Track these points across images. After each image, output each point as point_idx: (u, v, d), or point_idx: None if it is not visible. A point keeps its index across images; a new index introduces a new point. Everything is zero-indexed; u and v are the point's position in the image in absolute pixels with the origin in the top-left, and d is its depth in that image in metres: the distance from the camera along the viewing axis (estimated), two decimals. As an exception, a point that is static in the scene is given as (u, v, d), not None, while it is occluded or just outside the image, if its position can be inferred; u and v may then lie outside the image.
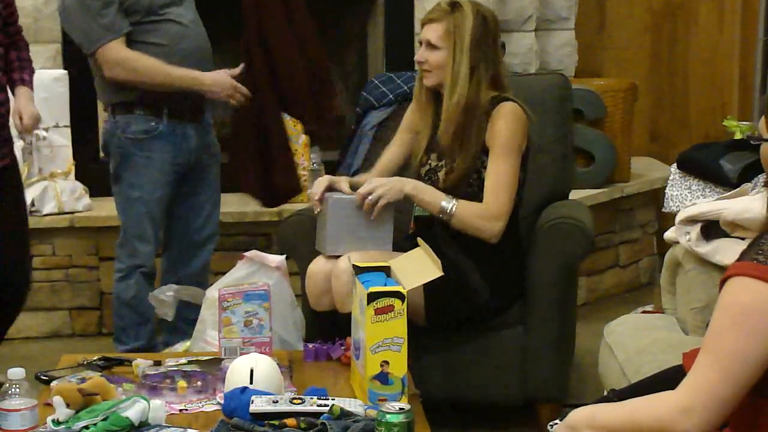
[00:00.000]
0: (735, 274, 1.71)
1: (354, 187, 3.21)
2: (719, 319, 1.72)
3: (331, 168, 4.38)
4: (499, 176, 3.11)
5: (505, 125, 3.12)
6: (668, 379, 2.07)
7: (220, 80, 3.65)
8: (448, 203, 3.11)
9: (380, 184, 3.15)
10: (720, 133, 4.94)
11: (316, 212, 3.23)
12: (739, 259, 1.73)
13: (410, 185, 3.15)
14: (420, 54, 3.19)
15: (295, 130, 4.47)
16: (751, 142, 1.86)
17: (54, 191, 4.37)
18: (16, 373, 2.19)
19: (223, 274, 3.44)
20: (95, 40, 3.56)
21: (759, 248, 1.70)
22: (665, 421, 1.72)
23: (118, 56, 3.55)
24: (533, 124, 3.20)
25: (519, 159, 3.14)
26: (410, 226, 3.37)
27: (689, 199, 3.83)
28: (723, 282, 1.73)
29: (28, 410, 2.19)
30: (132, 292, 3.71)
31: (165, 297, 3.45)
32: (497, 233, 3.12)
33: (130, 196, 3.72)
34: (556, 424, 1.99)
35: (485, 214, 3.11)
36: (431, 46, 3.17)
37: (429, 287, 2.99)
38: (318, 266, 3.18)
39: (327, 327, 3.08)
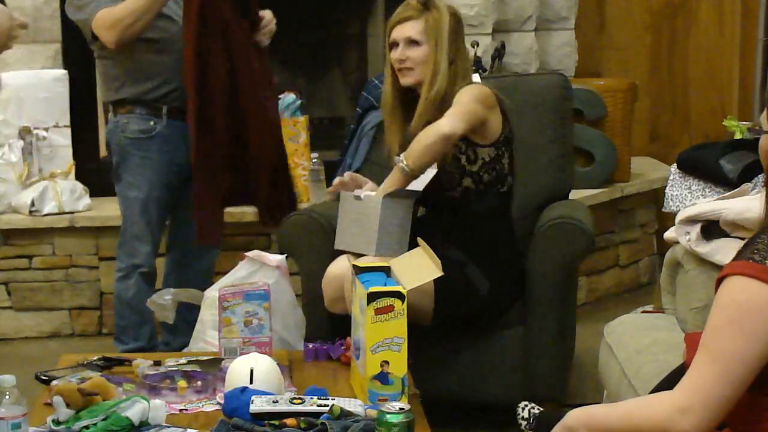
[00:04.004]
0: (731, 274, 1.71)
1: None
2: (716, 318, 1.72)
3: (331, 168, 4.38)
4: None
5: (461, 93, 3.14)
6: None
7: None
8: (398, 158, 3.11)
9: None
10: (720, 133, 4.94)
11: (329, 198, 3.26)
12: (734, 259, 1.73)
13: (381, 193, 3.14)
14: (400, 52, 3.20)
15: (294, 129, 4.47)
16: (752, 135, 1.86)
17: (54, 191, 4.37)
18: (6, 380, 2.17)
19: (224, 274, 3.44)
20: (90, 12, 3.58)
21: (754, 247, 1.71)
22: (663, 421, 1.72)
23: (103, 17, 3.55)
24: (502, 101, 3.22)
25: (472, 104, 3.12)
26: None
27: (689, 199, 3.83)
28: (719, 281, 1.74)
29: (17, 419, 2.16)
30: (132, 292, 3.71)
31: (163, 301, 3.45)
32: (442, 124, 3.04)
33: (129, 196, 3.72)
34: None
35: (431, 125, 3.09)
36: (411, 42, 3.19)
37: (439, 290, 3.01)
38: (337, 268, 3.16)
39: (339, 327, 3.06)
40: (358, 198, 3.18)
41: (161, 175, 3.69)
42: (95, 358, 2.84)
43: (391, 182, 3.13)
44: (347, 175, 3.35)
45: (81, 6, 3.62)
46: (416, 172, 3.11)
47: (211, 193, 3.64)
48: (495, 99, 3.20)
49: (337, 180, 3.34)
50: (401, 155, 3.10)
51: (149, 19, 3.56)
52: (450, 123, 3.04)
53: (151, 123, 3.68)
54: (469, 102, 3.11)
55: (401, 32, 3.21)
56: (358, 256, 3.11)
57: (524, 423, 2.65)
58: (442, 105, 3.16)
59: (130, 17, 3.54)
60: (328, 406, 2.28)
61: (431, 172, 3.18)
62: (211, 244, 3.79)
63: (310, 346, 2.91)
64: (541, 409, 2.68)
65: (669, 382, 2.27)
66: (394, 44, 3.23)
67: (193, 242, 3.71)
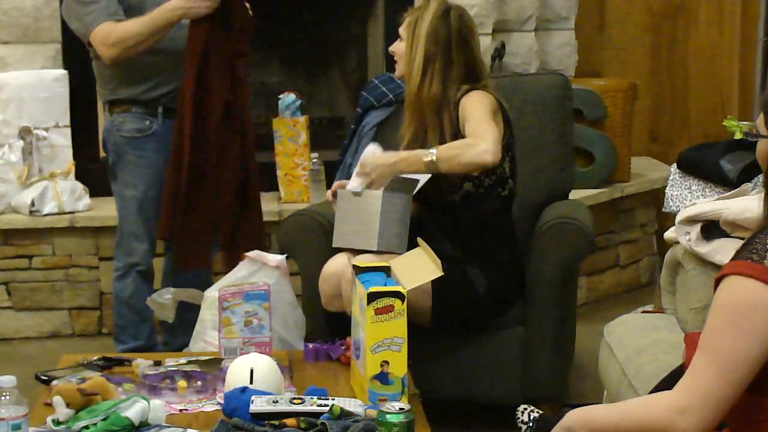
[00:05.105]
0: (729, 273, 1.71)
1: None
2: (714, 318, 1.72)
3: (331, 168, 4.38)
4: (475, 118, 3.06)
5: (472, 101, 3.12)
6: None
7: None
8: (428, 152, 3.06)
9: (372, 169, 3.14)
10: (720, 133, 4.94)
11: (333, 204, 3.25)
12: (733, 259, 1.73)
13: (392, 160, 3.13)
14: (393, 45, 3.28)
15: (294, 129, 4.47)
16: (749, 139, 1.86)
17: (54, 191, 4.37)
18: (7, 380, 2.17)
19: (224, 274, 3.44)
20: (89, 23, 3.57)
21: (753, 247, 1.71)
22: (663, 421, 1.72)
23: (104, 33, 3.54)
24: (506, 109, 3.21)
25: (493, 119, 3.09)
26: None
27: (689, 199, 3.83)
28: (718, 281, 1.74)
29: (17, 419, 2.16)
30: (129, 291, 3.71)
31: (164, 300, 3.46)
32: (487, 149, 2.96)
33: (125, 195, 3.73)
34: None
35: (469, 140, 3.03)
36: (399, 37, 3.25)
37: (437, 289, 3.00)
38: (334, 266, 3.16)
39: (337, 326, 3.07)
40: (356, 194, 3.17)
41: (157, 173, 3.69)
42: (95, 358, 2.84)
43: (409, 163, 3.08)
44: (338, 184, 3.33)
45: (79, 15, 3.61)
46: (439, 173, 3.08)
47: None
48: (498, 105, 3.19)
49: (336, 184, 3.33)
50: (434, 149, 3.05)
51: (153, 42, 3.56)
52: (495, 152, 2.96)
53: (147, 122, 3.68)
54: (489, 117, 3.07)
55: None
56: (357, 253, 3.11)
57: (524, 427, 2.65)
58: (437, 109, 3.15)
59: (135, 39, 3.54)
60: (328, 406, 2.29)
61: None
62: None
63: (310, 346, 2.91)
64: (541, 412, 2.67)
65: (669, 382, 2.27)
66: None
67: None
